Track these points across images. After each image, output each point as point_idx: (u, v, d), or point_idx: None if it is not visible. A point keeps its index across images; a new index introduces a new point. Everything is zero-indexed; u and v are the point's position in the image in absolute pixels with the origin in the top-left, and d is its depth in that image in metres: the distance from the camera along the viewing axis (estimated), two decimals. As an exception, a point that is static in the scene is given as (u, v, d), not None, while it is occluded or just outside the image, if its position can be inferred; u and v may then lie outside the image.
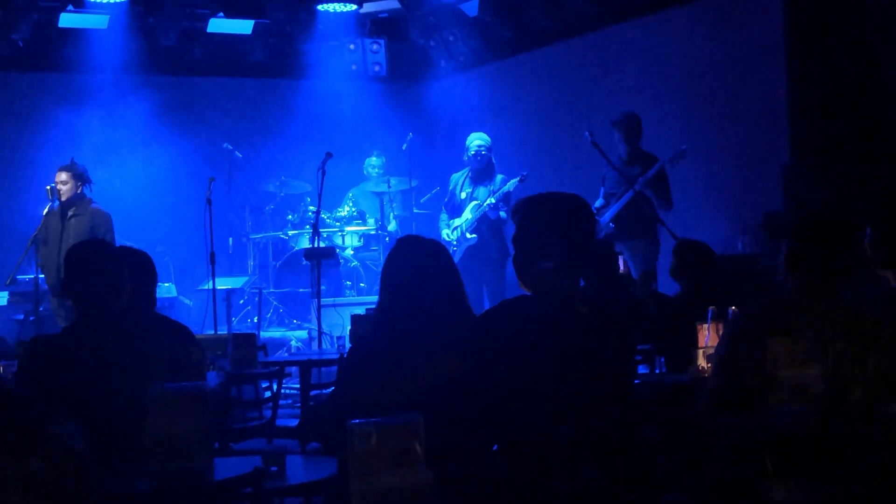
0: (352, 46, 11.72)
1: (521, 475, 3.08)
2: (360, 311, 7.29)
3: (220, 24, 11.14)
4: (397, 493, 2.23)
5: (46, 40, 10.89)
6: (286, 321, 10.50)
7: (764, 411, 3.20)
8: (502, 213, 9.17)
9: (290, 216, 10.98)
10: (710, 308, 4.84)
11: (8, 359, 5.01)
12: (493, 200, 9.16)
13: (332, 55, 11.76)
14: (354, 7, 11.32)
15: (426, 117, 12.67)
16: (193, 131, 11.72)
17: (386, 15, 11.79)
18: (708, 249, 5.95)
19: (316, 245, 8.93)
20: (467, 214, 9.37)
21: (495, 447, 3.27)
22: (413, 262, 3.41)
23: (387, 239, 10.75)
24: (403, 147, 10.92)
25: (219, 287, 9.19)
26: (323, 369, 7.44)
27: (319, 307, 8.72)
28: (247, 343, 6.20)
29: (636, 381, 4.65)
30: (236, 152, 11.31)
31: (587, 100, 10.61)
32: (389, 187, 11.06)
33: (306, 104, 12.19)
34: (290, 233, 10.87)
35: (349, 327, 6.48)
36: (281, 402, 6.10)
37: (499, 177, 9.35)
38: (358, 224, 10.93)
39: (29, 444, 1.60)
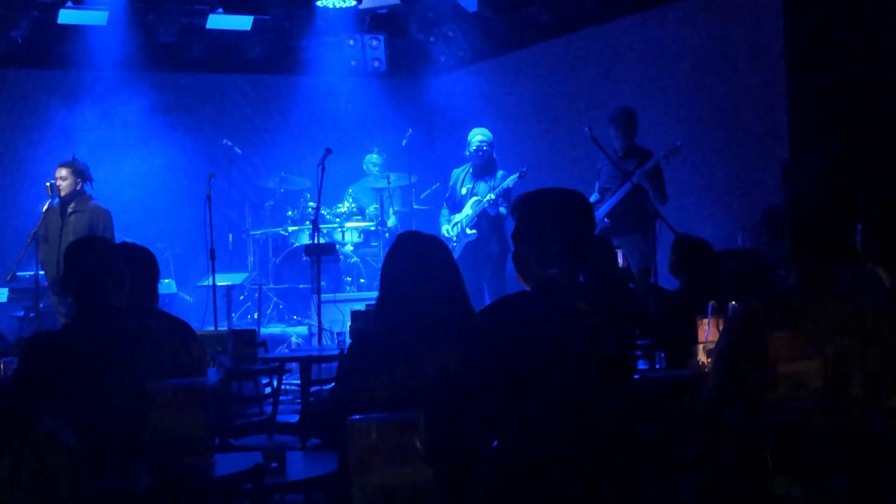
0: (351, 42, 11.72)
1: (521, 470, 3.08)
2: (361, 307, 7.30)
3: (219, 21, 11.14)
4: (397, 489, 2.23)
5: (46, 37, 10.88)
6: (286, 317, 10.50)
7: (764, 406, 3.20)
8: (502, 209, 9.16)
9: (289, 212, 10.98)
10: (711, 303, 4.84)
11: (8, 355, 5.01)
12: (493, 196, 9.16)
13: (331, 51, 11.75)
14: (354, 3, 11.32)
15: (426, 113, 12.67)
16: (193, 127, 11.71)
17: (385, 11, 11.79)
18: (706, 245, 5.95)
19: (316, 241, 8.94)
20: (468, 210, 9.37)
21: (495, 443, 3.27)
22: (412, 257, 3.41)
23: (386, 235, 10.76)
24: (403, 143, 10.91)
25: (219, 283, 9.19)
26: (323, 365, 7.45)
27: (319, 303, 8.73)
28: (247, 339, 6.20)
29: (636, 377, 4.65)
30: (236, 148, 11.30)
31: (586, 95, 10.60)
32: (389, 183, 11.06)
33: (306, 100, 12.19)
34: (290, 229, 10.87)
35: (349, 323, 6.49)
36: (281, 398, 6.11)
37: (500, 173, 9.35)
38: (358, 220, 10.94)
39: (18, 440, 1.60)
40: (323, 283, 9.27)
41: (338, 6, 11.34)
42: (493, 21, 11.26)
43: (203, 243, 8.66)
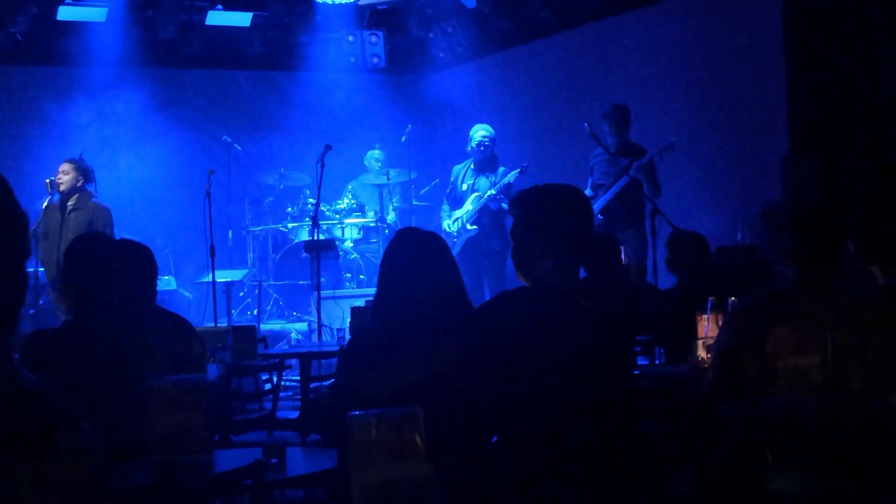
0: (350, 38, 11.70)
1: (520, 466, 3.08)
2: (360, 303, 7.30)
3: (218, 17, 11.13)
4: (397, 485, 2.24)
5: (45, 33, 10.88)
6: (286, 313, 10.51)
7: (764, 401, 3.21)
8: (504, 205, 9.16)
9: (289, 208, 10.98)
10: (710, 299, 4.85)
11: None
12: (495, 192, 9.15)
13: (330, 47, 11.75)
14: (353, -1, 11.33)
15: (425, 109, 12.66)
16: (192, 124, 11.71)
17: (385, 6, 11.77)
18: (701, 239, 5.95)
19: (315, 237, 8.93)
20: (468, 206, 9.36)
21: (494, 438, 3.27)
22: (411, 253, 3.42)
23: (386, 231, 10.75)
24: (402, 139, 10.91)
25: (218, 280, 9.19)
26: (323, 361, 7.45)
27: (319, 299, 8.73)
28: (247, 335, 6.20)
29: (636, 372, 4.66)
30: (235, 145, 11.29)
31: (586, 91, 10.60)
32: (389, 179, 11.06)
33: (305, 96, 12.18)
34: (290, 225, 10.87)
35: (349, 319, 6.49)
36: (281, 394, 6.11)
37: (501, 169, 9.35)
38: (357, 216, 10.94)
39: (43, 443, 1.60)
40: (322, 280, 9.27)
41: (337, 2, 11.33)
42: (493, 17, 11.25)
43: (203, 240, 8.65)
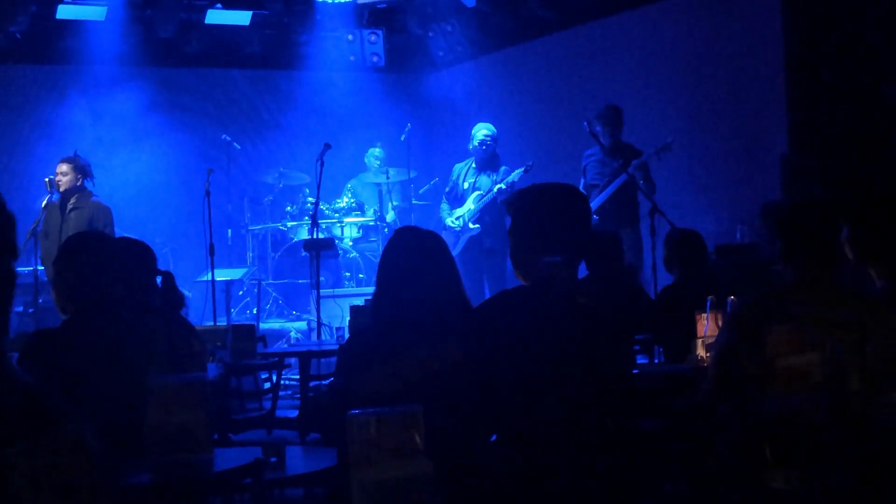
0: (350, 37, 11.70)
1: (520, 465, 3.09)
2: (360, 301, 7.30)
3: (217, 16, 11.13)
4: (397, 484, 2.24)
5: (44, 32, 10.88)
6: (285, 312, 10.51)
7: (763, 400, 3.21)
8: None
9: (288, 207, 10.98)
10: (709, 298, 4.84)
11: (7, 351, 5.00)
12: (504, 185, 9.11)
13: (330, 46, 11.75)
14: (352, -3, 11.34)
15: (424, 108, 12.66)
16: (191, 123, 11.71)
17: (384, 5, 11.77)
18: (698, 237, 5.94)
19: (315, 236, 8.93)
20: (470, 205, 9.36)
21: (494, 437, 3.28)
22: (409, 252, 3.41)
23: (385, 230, 10.75)
24: (402, 138, 10.91)
25: (218, 278, 9.18)
26: (322, 360, 7.45)
27: (318, 298, 8.73)
28: (246, 334, 6.20)
29: (635, 371, 4.66)
30: (235, 144, 11.29)
31: (585, 90, 10.60)
32: (388, 178, 11.05)
33: (304, 95, 12.18)
34: (289, 224, 10.87)
35: (348, 318, 6.49)
36: (280, 392, 6.11)
37: (503, 168, 9.34)
38: (357, 215, 10.94)
39: (42, 438, 1.60)
40: (322, 279, 9.26)
41: (336, 1, 11.33)
42: (492, 16, 11.25)
43: (202, 238, 8.65)
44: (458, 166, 9.63)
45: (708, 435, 3.45)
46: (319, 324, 8.59)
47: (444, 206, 9.65)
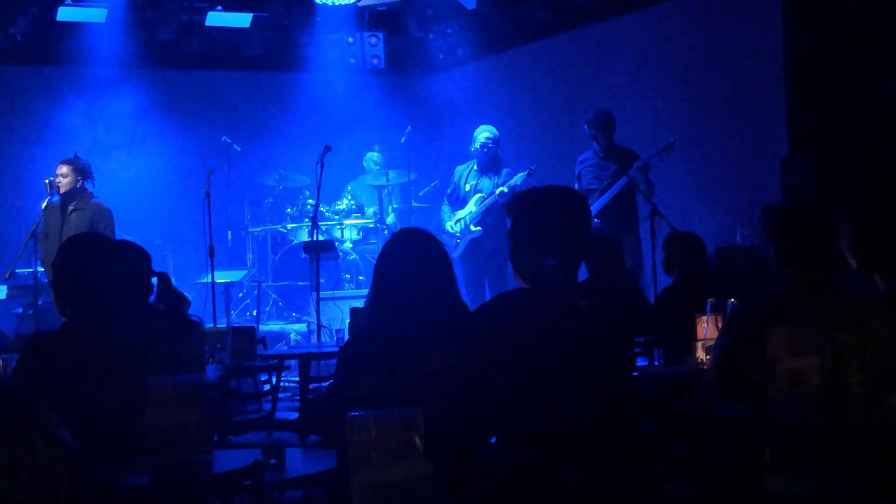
0: (350, 39, 11.71)
1: (519, 467, 3.08)
2: (359, 303, 7.29)
3: (218, 18, 11.13)
4: (397, 486, 2.24)
5: (44, 34, 10.88)
6: (285, 314, 10.51)
7: (763, 402, 3.21)
8: (507, 205, 9.12)
9: (288, 209, 10.98)
10: (709, 300, 4.84)
11: (7, 353, 5.01)
12: (506, 189, 9.09)
13: (330, 48, 11.74)
14: (353, 0, 11.31)
15: (425, 110, 12.66)
16: (192, 125, 11.71)
17: (384, 8, 11.78)
18: (697, 240, 5.94)
19: (315, 238, 8.93)
20: (471, 207, 9.36)
21: (493, 439, 3.27)
22: (406, 254, 3.41)
23: (385, 232, 10.75)
24: (402, 140, 10.90)
25: (218, 280, 9.19)
26: (322, 362, 7.45)
27: (318, 300, 8.73)
28: (246, 336, 6.21)
29: (635, 374, 4.66)
30: (235, 145, 11.29)
31: (585, 92, 10.60)
32: (388, 180, 11.06)
33: (305, 97, 12.18)
34: (289, 226, 10.87)
35: (348, 320, 6.49)
36: (280, 394, 6.11)
37: (505, 170, 9.34)
38: (357, 217, 10.94)
39: (14, 435, 1.61)
40: (322, 281, 9.26)
41: (337, 3, 11.33)
42: (492, 18, 11.25)
43: (202, 240, 8.66)
44: (459, 168, 9.62)
45: (707, 437, 3.45)
46: (319, 326, 8.59)
47: (446, 207, 9.64)
